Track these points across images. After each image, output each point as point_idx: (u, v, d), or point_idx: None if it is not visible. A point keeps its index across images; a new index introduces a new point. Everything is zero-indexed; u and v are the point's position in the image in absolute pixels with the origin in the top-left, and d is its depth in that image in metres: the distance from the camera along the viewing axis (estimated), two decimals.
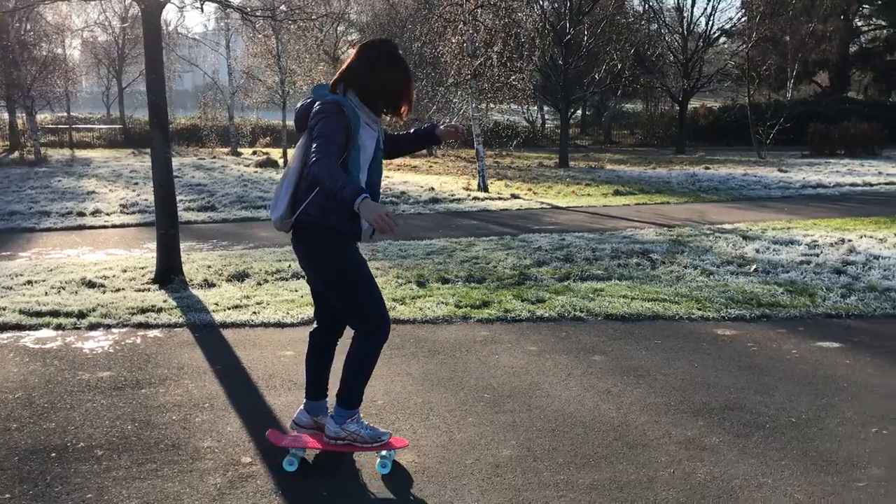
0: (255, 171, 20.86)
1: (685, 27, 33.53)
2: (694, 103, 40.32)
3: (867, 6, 45.10)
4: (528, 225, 11.47)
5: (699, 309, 6.06)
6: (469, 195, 15.61)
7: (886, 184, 17.01)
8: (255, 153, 28.83)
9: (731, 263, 7.87)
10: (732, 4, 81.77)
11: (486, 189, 16.58)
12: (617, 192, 16.08)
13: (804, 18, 35.97)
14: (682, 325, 5.71)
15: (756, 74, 29.95)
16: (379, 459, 3.38)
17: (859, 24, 46.55)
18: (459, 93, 17.03)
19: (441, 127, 3.63)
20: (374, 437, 3.39)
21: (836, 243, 8.94)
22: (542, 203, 14.62)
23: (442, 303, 6.29)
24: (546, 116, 45.09)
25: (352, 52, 3.44)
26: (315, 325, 3.62)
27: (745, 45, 30.41)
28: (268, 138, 34.63)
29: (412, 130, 3.67)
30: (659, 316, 5.94)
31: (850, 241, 9.07)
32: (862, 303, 6.18)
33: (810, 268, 7.58)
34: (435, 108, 18.59)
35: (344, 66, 3.35)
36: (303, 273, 7.51)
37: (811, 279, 7.08)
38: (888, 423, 3.84)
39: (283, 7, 16.23)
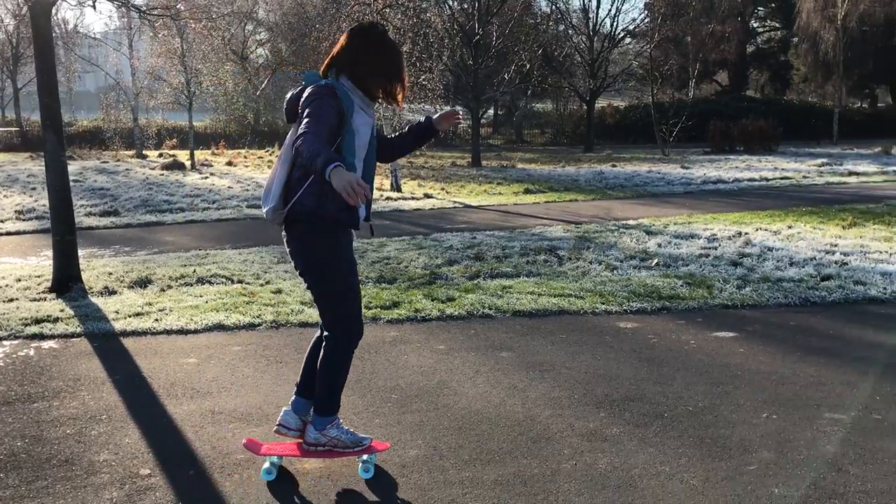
0: (161, 174, 20.28)
1: (591, 28, 34.33)
2: (601, 103, 41.33)
3: (762, 8, 47.18)
4: (441, 224, 11.52)
5: (603, 303, 6.21)
6: (382, 195, 15.56)
7: (781, 178, 17.81)
8: (161, 155, 27.98)
9: (635, 258, 8.10)
10: (636, 6, 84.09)
11: (399, 189, 16.56)
12: (527, 191, 16.32)
13: (704, 20, 37.31)
14: (586, 320, 5.84)
15: (659, 74, 30.89)
16: (361, 464, 3.33)
17: (755, 25, 48.66)
18: None
19: (436, 117, 3.49)
20: (356, 442, 3.34)
21: (733, 236, 9.31)
22: (455, 202, 14.71)
23: None
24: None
25: (341, 37, 3.34)
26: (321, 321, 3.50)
27: (648, 46, 31.33)
28: (174, 140, 33.68)
29: (406, 129, 3.52)
30: (565, 311, 6.06)
31: (746, 234, 9.46)
32: (756, 293, 6.45)
33: (709, 260, 7.87)
34: None
35: (334, 51, 3.28)
36: (220, 277, 7.37)
37: (709, 272, 7.35)
38: (778, 408, 4.02)
39: (180, 6, 15.78)
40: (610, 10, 47.34)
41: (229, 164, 24.61)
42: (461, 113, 3.55)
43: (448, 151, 33.49)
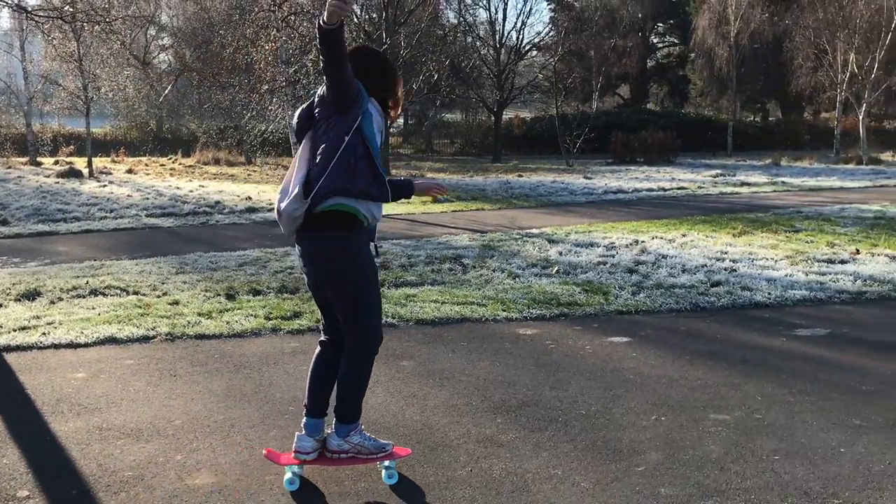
0: (57, 182, 19.44)
1: (497, 40, 34.85)
2: (509, 114, 41.96)
3: (661, 24, 48.92)
4: None
5: (504, 310, 6.30)
6: None
7: (678, 189, 18.49)
8: (57, 163, 26.81)
9: (536, 266, 8.25)
10: (541, 20, 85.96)
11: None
12: (436, 200, 16.40)
13: (606, 34, 38.45)
14: (487, 327, 5.92)
15: (563, 87, 31.66)
16: (384, 471, 3.35)
17: (655, 41, 50.41)
18: (275, 100, 16.73)
19: (419, 182, 3.58)
20: (378, 448, 3.38)
21: (630, 244, 9.61)
22: None
23: (251, 315, 6.14)
24: None
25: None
26: (322, 338, 3.49)
27: (553, 59, 32.04)
28: (71, 147, 32.31)
29: (387, 179, 3.41)
30: (467, 318, 6.12)
31: (643, 242, 9.78)
32: (650, 299, 6.68)
33: (606, 268, 8.10)
34: (249, 115, 18.13)
35: None
36: (115, 288, 7.09)
37: (606, 279, 7.56)
38: (667, 411, 4.17)
39: (68, 7, 15.19)
40: (516, 24, 48.47)
41: (129, 171, 23.82)
42: (444, 189, 3.64)
43: None
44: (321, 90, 3.30)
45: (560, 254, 9.05)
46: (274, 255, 9.16)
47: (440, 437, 3.82)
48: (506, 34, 36.03)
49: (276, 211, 3.29)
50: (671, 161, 28.93)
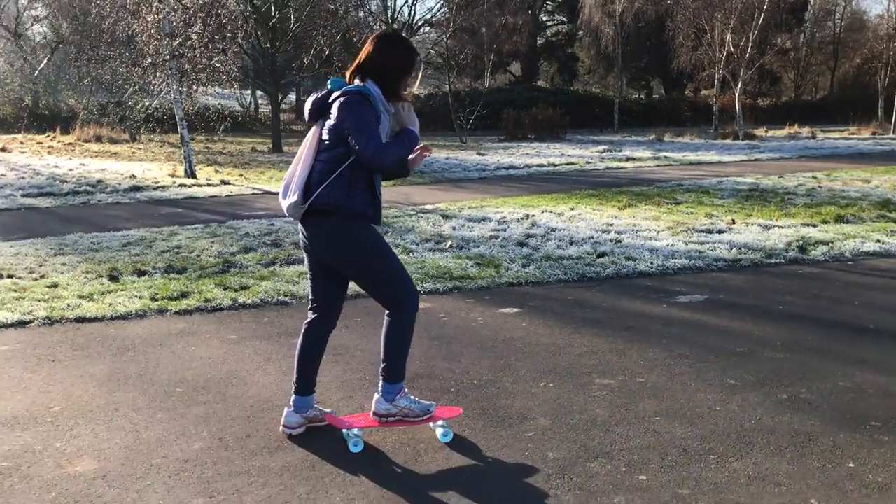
0: None
1: (389, 16, 34.58)
2: None
3: (550, 2, 49.70)
4: (238, 211, 11.19)
5: None
6: (175, 182, 14.87)
7: (567, 164, 18.92)
8: None
9: (430, 241, 8.30)
10: None
11: (193, 175, 15.88)
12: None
13: (497, 12, 38.72)
14: None
15: (456, 63, 31.72)
16: (439, 430, 3.51)
17: (545, 18, 51.20)
18: (159, 74, 16.07)
19: (411, 159, 3.58)
20: (424, 410, 3.53)
21: (521, 219, 9.79)
22: (254, 189, 14.35)
23: (136, 297, 5.93)
24: (260, 101, 44.21)
25: (366, 45, 3.47)
26: (312, 315, 3.60)
27: (445, 36, 32.05)
28: None
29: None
30: (360, 294, 6.08)
31: (533, 216, 9.98)
32: (539, 271, 6.83)
33: (498, 242, 8.23)
34: (132, 90, 17.36)
35: (361, 58, 3.44)
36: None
37: (498, 252, 7.69)
38: (554, 377, 4.29)
39: None
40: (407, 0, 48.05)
41: (3, 150, 22.46)
42: (430, 148, 3.70)
43: (248, 137, 32.55)
44: (342, 101, 3.34)
45: (453, 229, 9.13)
46: (160, 235, 8.86)
47: (335, 412, 3.80)
48: (398, 9, 35.79)
49: (280, 200, 3.51)
50: (561, 137, 29.55)
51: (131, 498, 2.99)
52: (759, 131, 31.44)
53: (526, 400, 3.97)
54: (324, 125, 3.42)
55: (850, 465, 3.24)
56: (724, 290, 6.25)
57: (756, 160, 19.67)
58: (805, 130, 31.69)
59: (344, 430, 3.48)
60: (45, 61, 32.73)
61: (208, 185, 14.81)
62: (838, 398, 3.95)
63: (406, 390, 3.58)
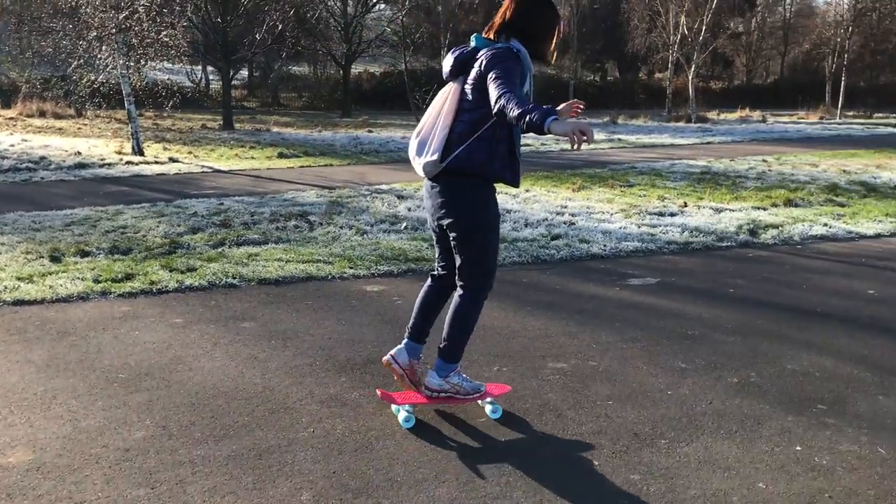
0: None
1: None
2: (358, 68, 41.36)
3: None
4: (186, 190, 10.94)
5: (351, 267, 6.23)
6: (122, 159, 14.48)
7: (522, 146, 18.70)
8: None
9: (385, 222, 8.20)
10: None
11: (141, 153, 15.49)
12: (282, 155, 15.97)
13: None
14: (333, 285, 5.82)
15: (412, 41, 31.46)
16: (489, 407, 3.57)
17: None
18: (104, 48, 15.58)
19: (562, 105, 3.49)
20: (475, 389, 3.55)
21: None
22: (204, 167, 14.04)
23: (78, 278, 5.73)
24: (211, 77, 43.32)
25: (510, 3, 3.34)
26: (438, 272, 3.63)
27: (400, 13, 31.75)
28: None
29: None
30: (312, 277, 6.00)
31: None
32: None
33: None
34: (76, 64, 16.82)
35: (505, 15, 3.34)
36: None
37: None
38: (508, 361, 4.26)
39: None
40: None
41: None
42: (581, 105, 3.60)
43: (198, 113, 31.87)
44: (489, 55, 3.23)
45: (409, 210, 9.03)
46: (105, 214, 8.61)
47: (281, 398, 3.72)
48: None
49: (411, 157, 3.43)
50: None
51: (68, 490, 2.87)
52: (712, 115, 31.88)
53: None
54: (465, 82, 3.33)
55: (798, 448, 3.27)
56: (676, 274, 6.28)
57: (708, 143, 19.91)
58: (756, 114, 32.22)
59: (393, 406, 3.54)
60: None
61: (156, 162, 14.45)
62: (786, 381, 3.99)
63: (460, 369, 3.60)
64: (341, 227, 7.90)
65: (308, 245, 7.10)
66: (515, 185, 3.46)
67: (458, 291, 3.51)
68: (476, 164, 3.29)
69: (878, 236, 7.82)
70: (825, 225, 8.16)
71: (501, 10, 3.41)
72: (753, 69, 51.75)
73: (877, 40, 32.17)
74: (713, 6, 28.93)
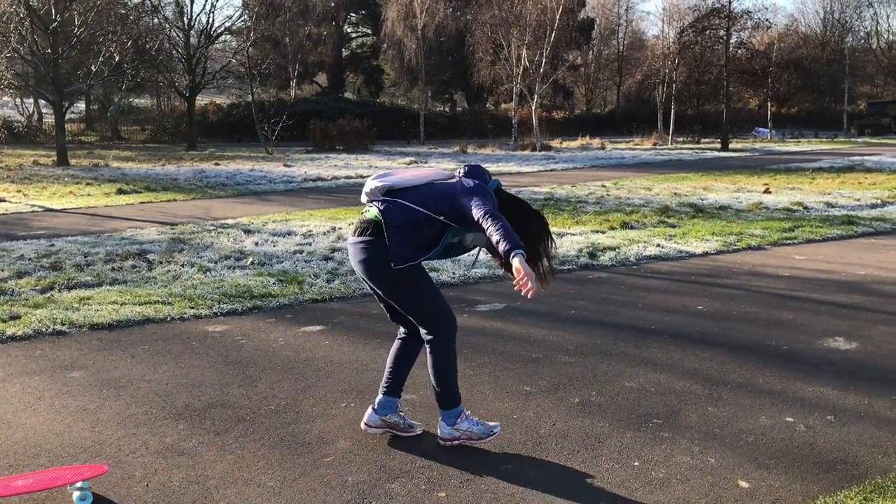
0: None
1: (186, 22, 33.16)
2: (204, 100, 40.25)
3: (354, 14, 49.84)
4: (13, 231, 10.19)
5: (192, 307, 5.97)
6: None
7: None
8: None
9: (230, 258, 7.95)
10: (232, 3, 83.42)
11: None
12: (121, 191, 15.22)
13: (301, 22, 38.31)
14: (173, 327, 5.55)
15: (258, 73, 30.97)
16: (77, 493, 3.01)
17: (349, 30, 51.29)
18: None
19: (515, 261, 3.15)
20: (486, 432, 3.54)
21: (327, 232, 9.64)
22: (34, 206, 13.15)
23: None
24: (44, 110, 40.84)
25: None
26: (401, 333, 3.71)
27: (246, 44, 31.21)
28: None
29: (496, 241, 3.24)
30: (150, 319, 5.70)
31: (340, 228, 9.86)
32: (344, 285, 6.72)
33: (303, 256, 8.03)
34: None
35: None
36: None
37: (302, 267, 7.49)
38: (356, 396, 4.20)
39: None
40: (205, 6, 46.43)
41: None
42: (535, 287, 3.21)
43: (30, 149, 29.92)
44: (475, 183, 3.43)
45: (256, 244, 8.81)
46: None
47: (113, 451, 3.48)
48: (195, 17, 34.40)
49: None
50: (369, 149, 29.66)
51: None
52: (555, 143, 33.25)
53: (326, 423, 3.84)
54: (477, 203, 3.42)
55: (636, 463, 3.40)
56: (521, 298, 6.43)
57: (552, 170, 20.71)
58: (596, 142, 33.88)
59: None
60: None
61: None
62: (624, 398, 4.15)
63: (468, 412, 3.59)
64: (182, 266, 7.58)
65: (146, 286, 6.76)
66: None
67: (427, 345, 3.54)
68: (399, 254, 3.37)
69: (705, 254, 8.35)
70: (658, 245, 8.64)
71: None
72: (592, 99, 54.59)
73: (700, 71, 34.67)
74: (552, 40, 30.30)
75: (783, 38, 49.18)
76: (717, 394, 4.22)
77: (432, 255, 3.47)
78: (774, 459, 3.43)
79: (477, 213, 3.27)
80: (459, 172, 3.58)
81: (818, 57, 50.59)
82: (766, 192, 14.39)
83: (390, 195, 3.47)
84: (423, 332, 3.54)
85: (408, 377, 3.76)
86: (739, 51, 34.92)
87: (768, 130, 41.72)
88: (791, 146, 32.95)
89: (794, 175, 18.33)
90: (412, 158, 24.24)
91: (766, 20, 36.60)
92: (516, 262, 3.11)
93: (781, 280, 7.09)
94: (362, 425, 3.69)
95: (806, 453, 3.49)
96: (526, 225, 3.47)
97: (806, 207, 12.01)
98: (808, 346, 5.08)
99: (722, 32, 33.15)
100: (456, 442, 3.58)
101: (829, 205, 12.41)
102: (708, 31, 33.69)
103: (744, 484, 3.21)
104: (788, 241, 9.09)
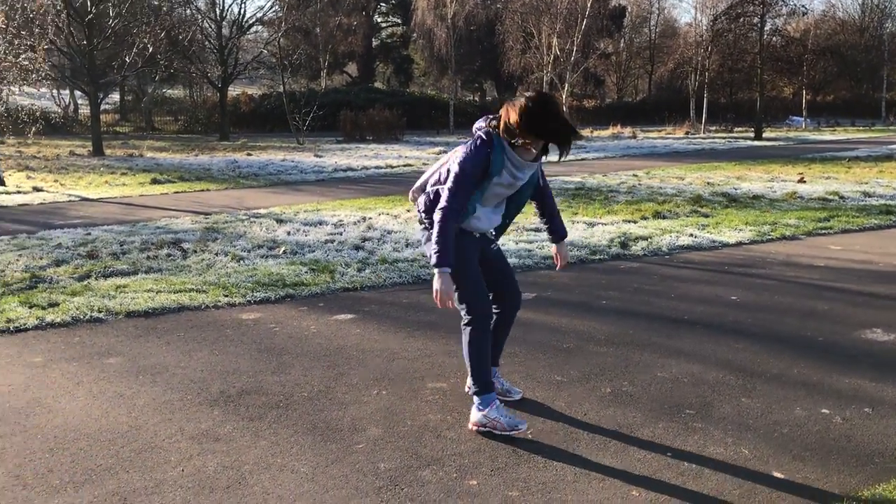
0: None
1: (218, 13, 33.41)
2: (236, 90, 40.56)
3: (384, 4, 49.86)
4: (51, 220, 10.37)
5: (226, 295, 6.04)
6: None
7: (404, 165, 19.01)
8: None
9: (263, 247, 8.02)
10: None
11: (2, 182, 14.61)
12: (155, 181, 15.43)
13: (331, 12, 38.40)
14: (207, 314, 5.62)
15: (289, 63, 31.12)
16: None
17: (379, 20, 51.32)
18: None
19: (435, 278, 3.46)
20: (512, 426, 3.55)
21: (357, 221, 9.68)
22: (71, 195, 13.38)
23: None
24: (80, 101, 41.46)
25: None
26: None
27: (277, 35, 31.37)
28: None
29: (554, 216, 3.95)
30: (185, 307, 5.78)
31: (370, 218, 9.90)
32: (374, 274, 6.75)
33: (334, 246, 8.08)
34: None
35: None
36: None
37: (333, 256, 7.54)
38: (388, 384, 4.22)
39: None
40: None
41: None
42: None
43: (66, 139, 30.44)
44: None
45: (288, 233, 8.88)
46: None
47: (149, 437, 3.54)
48: (227, 7, 34.64)
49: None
50: (399, 139, 29.70)
51: None
52: (586, 132, 33.01)
53: (358, 410, 3.87)
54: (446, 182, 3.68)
55: (668, 454, 3.38)
56: (552, 288, 6.42)
57: (583, 160, 20.58)
58: (627, 131, 33.60)
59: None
60: None
61: (18, 192, 13.68)
62: (657, 389, 4.13)
63: (498, 402, 3.63)
64: (216, 254, 7.67)
65: (181, 274, 6.85)
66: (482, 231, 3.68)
67: (462, 326, 3.66)
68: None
69: (739, 244, 8.26)
70: (691, 235, 8.55)
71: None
72: (624, 87, 54.08)
73: (733, 59, 34.17)
74: (583, 28, 30.06)
75: (819, 25, 48.22)
76: (750, 385, 4.18)
77: (477, 221, 3.60)
78: (810, 451, 3.39)
79: (438, 208, 3.48)
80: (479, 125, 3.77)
81: (856, 43, 49.59)
82: (801, 181, 14.17)
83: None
84: (461, 312, 3.63)
85: (503, 343, 3.99)
86: (774, 38, 34.33)
87: (802, 119, 41.04)
88: (826, 135, 32.37)
89: (829, 164, 18.02)
90: (441, 148, 24.22)
91: (802, 6, 35.95)
92: (435, 281, 3.41)
93: (816, 270, 6.99)
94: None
95: (843, 446, 3.45)
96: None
97: (842, 197, 11.81)
98: (844, 337, 5.01)
99: (756, 19, 32.59)
100: (483, 429, 3.60)
101: (866, 194, 12.18)
102: (742, 18, 33.14)
103: (778, 475, 3.18)
104: (824, 231, 8.95)
